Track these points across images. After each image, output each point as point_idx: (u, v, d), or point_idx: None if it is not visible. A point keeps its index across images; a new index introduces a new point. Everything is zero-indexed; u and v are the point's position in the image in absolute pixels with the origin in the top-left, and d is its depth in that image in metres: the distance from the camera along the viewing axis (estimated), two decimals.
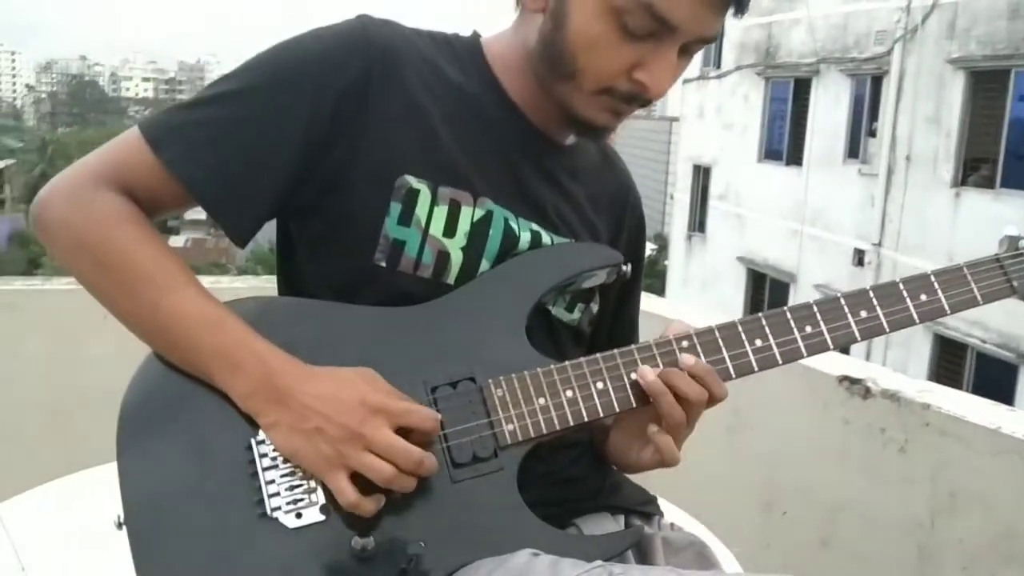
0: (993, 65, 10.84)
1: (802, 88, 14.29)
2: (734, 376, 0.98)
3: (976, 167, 11.20)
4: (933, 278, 1.03)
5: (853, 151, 13.28)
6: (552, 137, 1.06)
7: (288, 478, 0.89)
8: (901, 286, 1.02)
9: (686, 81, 17.13)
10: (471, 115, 1.02)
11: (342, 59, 0.97)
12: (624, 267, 1.07)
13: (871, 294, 1.01)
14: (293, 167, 0.97)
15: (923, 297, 1.02)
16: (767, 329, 0.99)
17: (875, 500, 1.75)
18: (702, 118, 16.84)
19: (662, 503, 1.17)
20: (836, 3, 13.29)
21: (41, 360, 2.22)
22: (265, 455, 0.89)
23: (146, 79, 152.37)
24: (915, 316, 1.02)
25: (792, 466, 1.93)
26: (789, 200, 14.26)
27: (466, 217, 0.99)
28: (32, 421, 2.19)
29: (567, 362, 0.97)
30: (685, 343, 0.98)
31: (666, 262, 19.54)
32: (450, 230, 0.98)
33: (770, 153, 15.17)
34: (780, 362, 0.99)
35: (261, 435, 0.90)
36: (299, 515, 0.88)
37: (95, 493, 1.40)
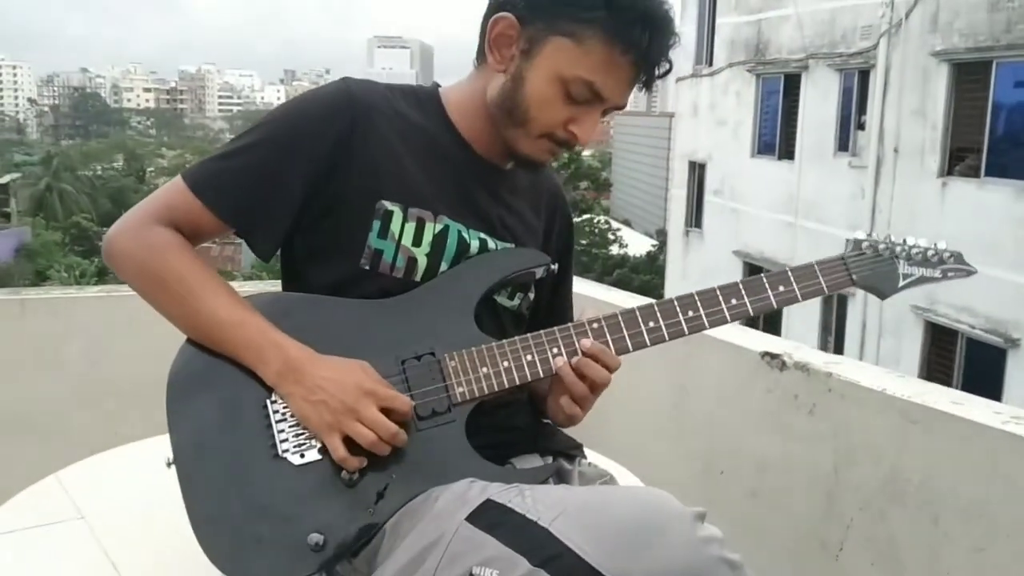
0: (975, 57, 10.98)
1: (792, 84, 14.41)
2: (631, 349, 1.26)
3: (961, 157, 11.28)
4: (790, 273, 1.27)
5: (843, 144, 13.38)
6: (495, 164, 1.36)
7: (295, 428, 1.18)
8: (764, 279, 1.26)
9: (679, 79, 17.31)
10: (431, 150, 1.32)
11: (332, 114, 1.27)
12: (552, 266, 1.37)
13: (740, 286, 1.26)
14: (300, 197, 1.27)
15: (781, 288, 1.26)
16: (658, 314, 1.26)
17: (791, 456, 2.03)
18: (696, 115, 16.96)
19: (618, 468, 1.45)
20: None
21: (77, 357, 2.54)
22: (277, 411, 1.19)
23: (147, 89, 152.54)
24: (774, 303, 1.26)
25: (726, 431, 2.21)
26: (782, 194, 14.38)
27: (429, 231, 1.28)
28: (71, 409, 2.51)
29: (504, 340, 1.25)
30: (595, 325, 1.26)
31: (664, 257, 19.67)
32: (417, 241, 1.28)
33: (763, 148, 15.28)
34: (667, 339, 1.26)
35: (274, 396, 1.19)
36: (302, 455, 1.17)
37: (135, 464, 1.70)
